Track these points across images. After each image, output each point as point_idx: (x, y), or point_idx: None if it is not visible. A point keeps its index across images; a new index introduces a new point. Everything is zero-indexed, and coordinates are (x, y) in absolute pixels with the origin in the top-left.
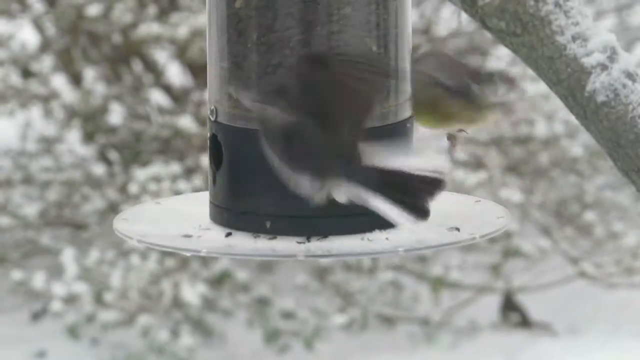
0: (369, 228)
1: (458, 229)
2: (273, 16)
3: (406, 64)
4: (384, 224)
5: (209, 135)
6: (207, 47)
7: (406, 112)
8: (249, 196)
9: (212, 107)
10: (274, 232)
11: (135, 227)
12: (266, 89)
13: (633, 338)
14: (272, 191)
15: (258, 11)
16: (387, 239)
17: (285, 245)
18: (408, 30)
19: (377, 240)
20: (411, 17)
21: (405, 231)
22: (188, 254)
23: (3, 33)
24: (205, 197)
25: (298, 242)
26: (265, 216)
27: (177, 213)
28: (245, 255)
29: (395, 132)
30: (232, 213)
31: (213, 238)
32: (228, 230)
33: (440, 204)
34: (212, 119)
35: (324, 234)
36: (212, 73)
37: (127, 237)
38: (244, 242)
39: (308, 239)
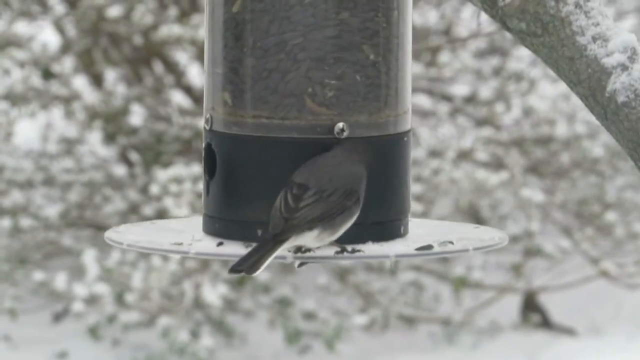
0: (362, 240)
1: (452, 242)
2: (270, 20)
3: (407, 76)
4: (378, 237)
5: (203, 145)
6: (205, 55)
7: (405, 124)
8: (241, 204)
9: (207, 116)
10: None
11: (128, 237)
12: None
13: None
14: (263, 199)
15: (255, 15)
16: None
17: (281, 252)
18: (409, 40)
19: (367, 249)
20: (411, 29)
21: (400, 244)
22: (177, 256)
23: (24, 34)
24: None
25: (289, 250)
26: (257, 224)
27: (171, 229)
28: (232, 256)
29: (393, 144)
30: (223, 222)
31: (204, 247)
32: (219, 240)
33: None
34: (207, 127)
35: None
36: (207, 81)
37: (117, 244)
38: (234, 250)
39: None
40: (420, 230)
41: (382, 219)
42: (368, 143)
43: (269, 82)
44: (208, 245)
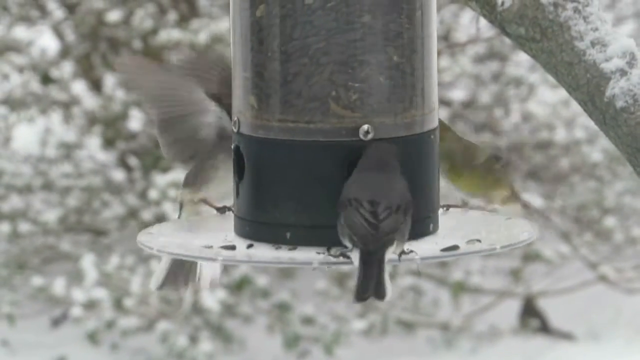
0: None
1: (479, 241)
2: (292, 24)
3: (432, 74)
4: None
5: (232, 147)
6: (232, 57)
7: (432, 122)
8: (269, 207)
9: (235, 119)
10: (294, 242)
11: (160, 239)
12: None
13: None
14: (292, 201)
15: (278, 19)
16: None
17: (305, 255)
18: (433, 41)
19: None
20: (436, 27)
21: (428, 242)
22: (205, 262)
23: (23, 39)
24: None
25: (318, 253)
26: (286, 227)
27: (205, 229)
28: (262, 263)
29: (420, 143)
30: (253, 225)
31: (232, 252)
32: (250, 242)
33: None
34: (235, 130)
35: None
36: (236, 83)
37: (147, 248)
38: (264, 253)
39: (328, 250)
40: (453, 222)
41: (412, 217)
42: (395, 147)
43: (293, 86)
44: (238, 247)
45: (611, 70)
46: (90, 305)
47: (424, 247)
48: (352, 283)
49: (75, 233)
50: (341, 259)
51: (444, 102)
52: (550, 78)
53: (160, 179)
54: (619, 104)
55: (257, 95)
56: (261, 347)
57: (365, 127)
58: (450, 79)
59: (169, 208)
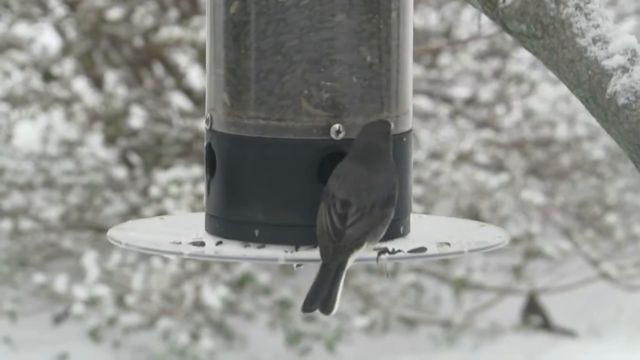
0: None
1: (449, 244)
2: (266, 21)
3: (407, 77)
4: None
5: (205, 144)
6: (206, 54)
7: (405, 125)
8: (239, 205)
9: (208, 116)
10: (263, 240)
11: (130, 234)
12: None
13: None
14: (261, 200)
15: (252, 16)
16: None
17: (272, 254)
18: (409, 43)
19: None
20: (412, 29)
21: (398, 244)
22: (171, 256)
23: (24, 37)
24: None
25: (286, 251)
26: (254, 225)
27: (177, 226)
28: (227, 259)
29: (395, 145)
30: (223, 222)
31: (200, 248)
32: (219, 239)
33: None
34: (207, 127)
35: (314, 243)
36: (209, 80)
37: (116, 242)
38: (232, 251)
39: (297, 248)
40: (427, 227)
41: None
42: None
43: (266, 83)
44: (207, 244)
45: (613, 67)
46: (92, 303)
47: (394, 248)
48: (354, 280)
49: (77, 230)
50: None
51: (445, 99)
52: (551, 75)
53: (162, 176)
54: (621, 101)
55: (230, 92)
56: (263, 344)
57: (337, 126)
58: (452, 76)
59: (170, 205)
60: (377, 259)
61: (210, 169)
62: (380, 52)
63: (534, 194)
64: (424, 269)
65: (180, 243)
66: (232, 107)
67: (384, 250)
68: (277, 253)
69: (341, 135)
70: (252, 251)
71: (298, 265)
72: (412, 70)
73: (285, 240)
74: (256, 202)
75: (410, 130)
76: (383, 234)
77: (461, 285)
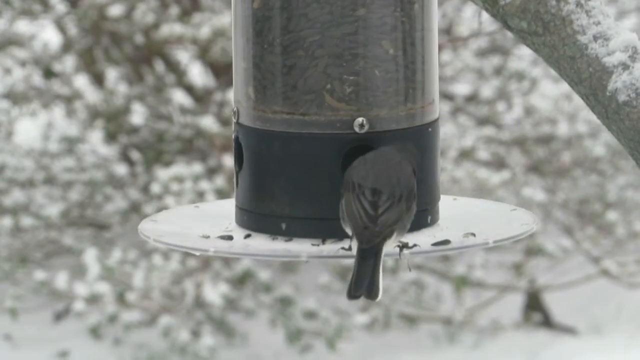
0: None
1: (474, 234)
2: (288, 17)
3: (431, 68)
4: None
5: (233, 137)
6: (233, 48)
7: (431, 115)
8: (266, 198)
9: (235, 109)
10: (290, 234)
11: (161, 227)
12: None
13: None
14: (287, 193)
15: (274, 12)
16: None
17: (300, 247)
18: (433, 35)
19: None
20: (437, 20)
21: (425, 235)
22: (197, 254)
23: (25, 33)
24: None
25: (313, 244)
26: (281, 218)
27: (210, 215)
28: (256, 256)
29: (417, 135)
30: (252, 215)
31: (223, 245)
32: (248, 232)
33: (472, 209)
34: (234, 120)
35: (340, 236)
36: (235, 74)
37: (145, 237)
38: (260, 244)
39: (323, 241)
40: (459, 211)
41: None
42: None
43: (289, 78)
44: (236, 237)
45: (613, 64)
46: (93, 300)
47: (420, 240)
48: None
49: (78, 227)
50: (340, 252)
51: (446, 97)
52: (552, 72)
53: (163, 173)
54: (622, 97)
55: (254, 86)
56: (263, 342)
57: (360, 119)
58: (453, 73)
59: (171, 202)
60: (400, 254)
61: (239, 162)
62: (404, 44)
63: (535, 191)
64: (425, 266)
65: (209, 237)
66: (257, 102)
67: (405, 245)
68: (304, 247)
69: (365, 129)
70: (280, 245)
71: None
72: (437, 61)
73: (311, 233)
74: (282, 195)
75: (436, 120)
76: (409, 226)
77: (462, 283)
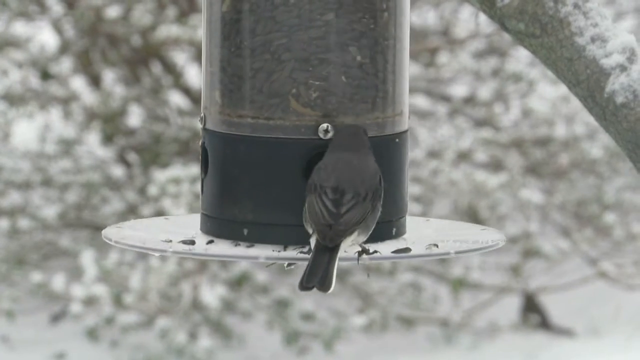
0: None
1: (437, 246)
2: (255, 20)
3: (401, 78)
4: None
5: (200, 143)
6: (202, 53)
7: (398, 126)
8: (229, 204)
9: (202, 114)
10: (252, 239)
11: (125, 232)
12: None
13: None
14: (250, 198)
15: (242, 14)
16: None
17: (261, 253)
18: (403, 42)
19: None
20: (408, 31)
21: (388, 245)
22: (156, 254)
23: (22, 35)
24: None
25: (274, 251)
26: (243, 224)
27: (178, 225)
28: (206, 256)
29: (383, 146)
30: (215, 221)
31: (183, 246)
32: (211, 238)
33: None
34: (202, 126)
35: (302, 242)
36: (204, 79)
37: (107, 239)
38: (221, 250)
39: (285, 248)
40: (428, 230)
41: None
42: (364, 128)
43: (255, 82)
44: (198, 242)
45: (611, 66)
46: (90, 301)
47: (381, 249)
48: (353, 279)
49: (75, 229)
50: (299, 255)
51: (444, 98)
52: (550, 74)
53: (160, 175)
54: (619, 99)
55: (221, 90)
56: (261, 343)
57: (325, 125)
58: (450, 75)
59: (168, 204)
60: (358, 260)
61: (205, 168)
62: (372, 52)
63: (532, 193)
64: (423, 268)
65: (171, 241)
66: (223, 106)
67: (364, 251)
68: (264, 253)
69: (329, 135)
70: (241, 251)
71: (289, 265)
72: (407, 72)
73: (273, 239)
74: (245, 201)
75: (404, 132)
76: (373, 227)
77: (459, 284)
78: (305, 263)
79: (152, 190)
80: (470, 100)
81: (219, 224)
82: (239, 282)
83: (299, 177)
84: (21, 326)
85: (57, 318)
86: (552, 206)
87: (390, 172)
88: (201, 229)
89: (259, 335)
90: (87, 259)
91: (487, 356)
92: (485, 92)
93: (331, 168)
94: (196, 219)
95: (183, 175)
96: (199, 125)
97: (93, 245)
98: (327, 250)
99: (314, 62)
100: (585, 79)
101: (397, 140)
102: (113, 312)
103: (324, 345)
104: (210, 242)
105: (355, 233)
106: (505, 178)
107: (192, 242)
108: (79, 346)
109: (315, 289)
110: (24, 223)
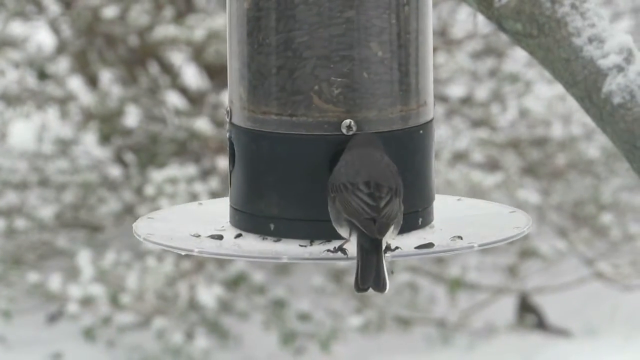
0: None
1: (461, 237)
2: (276, 17)
3: (424, 70)
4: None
5: (227, 136)
6: (227, 48)
7: (422, 117)
8: (255, 198)
9: (228, 108)
10: (278, 234)
11: (157, 224)
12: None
13: None
14: (275, 193)
15: (263, 12)
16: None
17: (287, 248)
18: (426, 37)
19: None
20: (431, 21)
21: (414, 237)
22: (183, 253)
23: (19, 35)
24: None
25: (300, 245)
26: (269, 218)
27: (210, 214)
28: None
29: (407, 138)
30: (243, 215)
31: (211, 245)
32: (239, 232)
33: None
34: (228, 119)
35: (328, 237)
36: (230, 74)
37: (136, 235)
38: (249, 244)
39: (311, 243)
40: (454, 212)
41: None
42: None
43: (278, 79)
44: (227, 236)
45: (608, 67)
46: (86, 302)
47: (406, 242)
48: (350, 279)
49: (71, 229)
50: (324, 254)
51: (441, 98)
52: (547, 74)
53: (157, 175)
54: (616, 100)
55: (245, 86)
56: (257, 344)
57: (348, 121)
58: (447, 75)
59: (165, 204)
60: (384, 257)
61: (232, 161)
62: (393, 46)
63: (529, 193)
64: (419, 268)
65: (199, 236)
66: (248, 102)
67: (387, 248)
68: (291, 248)
69: (352, 131)
70: (269, 245)
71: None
72: (431, 61)
73: (299, 234)
74: (271, 195)
75: (429, 122)
76: (401, 222)
77: (456, 285)
78: (330, 260)
79: (149, 190)
80: (467, 100)
81: (246, 217)
82: (235, 282)
83: (323, 172)
84: (18, 326)
85: (53, 318)
86: (548, 206)
87: (415, 163)
88: (230, 222)
89: (255, 335)
90: (84, 259)
91: (484, 357)
92: (482, 92)
93: (358, 164)
94: (225, 207)
95: (180, 175)
96: (225, 119)
97: (90, 245)
98: (372, 250)
99: (335, 59)
100: (582, 79)
101: (421, 131)
102: (110, 312)
103: (320, 346)
104: (239, 235)
105: (392, 227)
106: (502, 178)
107: (220, 237)
108: (75, 346)
109: (372, 290)
110: (20, 223)
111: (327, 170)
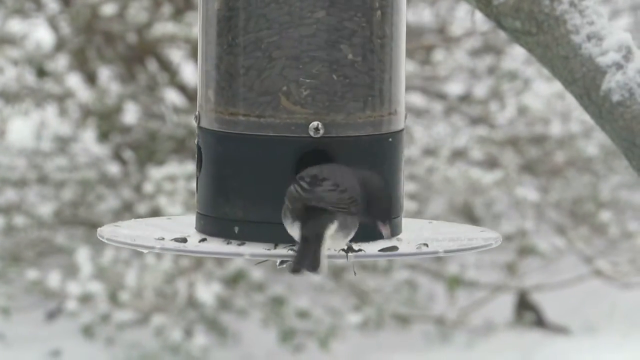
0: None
1: (426, 245)
2: (246, 17)
3: (397, 77)
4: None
5: (195, 142)
6: (198, 51)
7: (393, 125)
8: (221, 202)
9: (197, 113)
10: (243, 238)
11: (123, 231)
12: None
13: None
14: (240, 196)
15: (233, 12)
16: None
17: (252, 251)
18: (398, 41)
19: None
20: (404, 29)
21: (378, 244)
22: (145, 251)
23: (18, 32)
24: None
25: (266, 249)
26: (234, 222)
27: (178, 224)
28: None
29: (375, 145)
30: (207, 219)
31: (173, 244)
32: (204, 237)
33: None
34: (197, 124)
35: (293, 241)
36: (199, 77)
37: (99, 236)
38: (212, 248)
39: (275, 246)
40: (427, 233)
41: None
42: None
43: (246, 79)
44: (191, 241)
45: (607, 64)
46: (85, 299)
47: (370, 248)
48: (346, 277)
49: (70, 226)
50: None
51: (440, 96)
52: (545, 72)
53: (155, 172)
54: (615, 97)
55: (214, 88)
56: (256, 341)
57: (315, 123)
58: (446, 73)
59: (163, 201)
60: (347, 257)
61: (200, 167)
62: (364, 50)
63: (528, 191)
64: (418, 265)
65: (163, 239)
66: (216, 103)
67: (349, 249)
68: (255, 251)
69: (320, 133)
70: (232, 249)
71: (281, 263)
72: (403, 71)
73: (263, 237)
74: (236, 199)
75: (399, 131)
76: (353, 230)
77: (455, 283)
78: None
79: (148, 187)
80: (465, 98)
81: (212, 222)
82: (234, 280)
83: (289, 175)
84: (16, 323)
85: (52, 315)
86: (547, 204)
87: (383, 172)
88: (196, 228)
89: (254, 332)
90: (83, 256)
91: (483, 354)
92: (480, 90)
93: (318, 166)
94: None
95: (179, 173)
96: (194, 124)
97: (88, 242)
98: (312, 240)
99: (304, 60)
100: (581, 77)
101: (390, 139)
102: (108, 310)
103: (319, 343)
104: (203, 240)
105: (336, 223)
106: (501, 176)
107: (184, 240)
108: (74, 343)
109: (306, 272)
110: (19, 220)
111: (293, 172)
